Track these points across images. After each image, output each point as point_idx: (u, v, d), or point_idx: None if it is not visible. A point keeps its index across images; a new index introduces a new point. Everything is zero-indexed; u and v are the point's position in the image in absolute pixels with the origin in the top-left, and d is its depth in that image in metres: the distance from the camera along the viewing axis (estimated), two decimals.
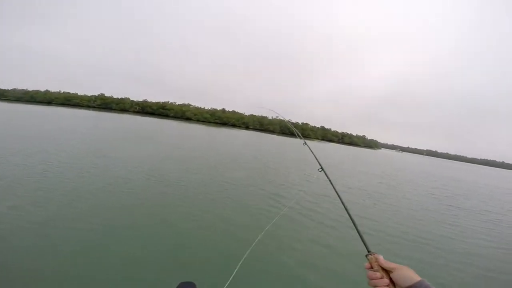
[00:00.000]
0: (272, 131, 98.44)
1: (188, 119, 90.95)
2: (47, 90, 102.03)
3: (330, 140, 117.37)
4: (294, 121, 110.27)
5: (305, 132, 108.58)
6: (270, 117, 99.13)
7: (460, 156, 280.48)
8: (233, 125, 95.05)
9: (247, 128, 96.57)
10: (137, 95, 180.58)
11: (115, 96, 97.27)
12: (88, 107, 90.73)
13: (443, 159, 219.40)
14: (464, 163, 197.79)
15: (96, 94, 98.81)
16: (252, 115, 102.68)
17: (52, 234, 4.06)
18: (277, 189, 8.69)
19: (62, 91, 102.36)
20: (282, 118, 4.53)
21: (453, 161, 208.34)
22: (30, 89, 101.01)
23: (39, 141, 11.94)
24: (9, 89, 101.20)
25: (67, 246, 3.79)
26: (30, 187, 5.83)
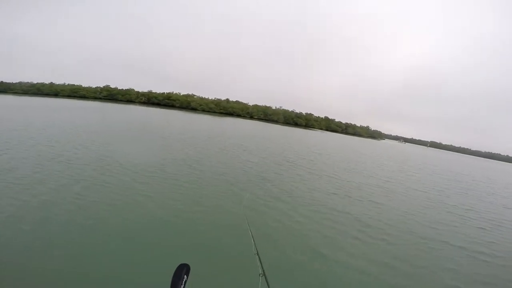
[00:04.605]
0: (276, 121, 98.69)
1: (193, 109, 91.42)
2: (51, 82, 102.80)
3: (334, 131, 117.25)
4: (298, 111, 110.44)
5: (309, 122, 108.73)
6: (273, 107, 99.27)
7: (464, 148, 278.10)
8: (238, 115, 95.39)
9: (251, 118, 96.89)
10: (141, 86, 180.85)
11: (119, 88, 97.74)
12: (94, 98, 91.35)
13: (446, 150, 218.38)
14: (468, 155, 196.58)
15: (100, 86, 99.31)
16: (256, 105, 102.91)
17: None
18: None
19: (66, 83, 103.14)
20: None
21: (456, 153, 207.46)
22: (35, 81, 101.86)
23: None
24: (15, 82, 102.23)
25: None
26: None
